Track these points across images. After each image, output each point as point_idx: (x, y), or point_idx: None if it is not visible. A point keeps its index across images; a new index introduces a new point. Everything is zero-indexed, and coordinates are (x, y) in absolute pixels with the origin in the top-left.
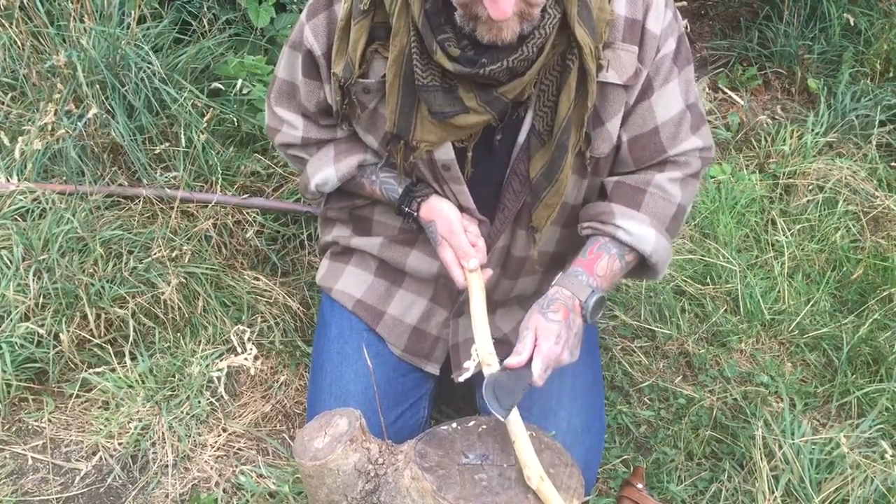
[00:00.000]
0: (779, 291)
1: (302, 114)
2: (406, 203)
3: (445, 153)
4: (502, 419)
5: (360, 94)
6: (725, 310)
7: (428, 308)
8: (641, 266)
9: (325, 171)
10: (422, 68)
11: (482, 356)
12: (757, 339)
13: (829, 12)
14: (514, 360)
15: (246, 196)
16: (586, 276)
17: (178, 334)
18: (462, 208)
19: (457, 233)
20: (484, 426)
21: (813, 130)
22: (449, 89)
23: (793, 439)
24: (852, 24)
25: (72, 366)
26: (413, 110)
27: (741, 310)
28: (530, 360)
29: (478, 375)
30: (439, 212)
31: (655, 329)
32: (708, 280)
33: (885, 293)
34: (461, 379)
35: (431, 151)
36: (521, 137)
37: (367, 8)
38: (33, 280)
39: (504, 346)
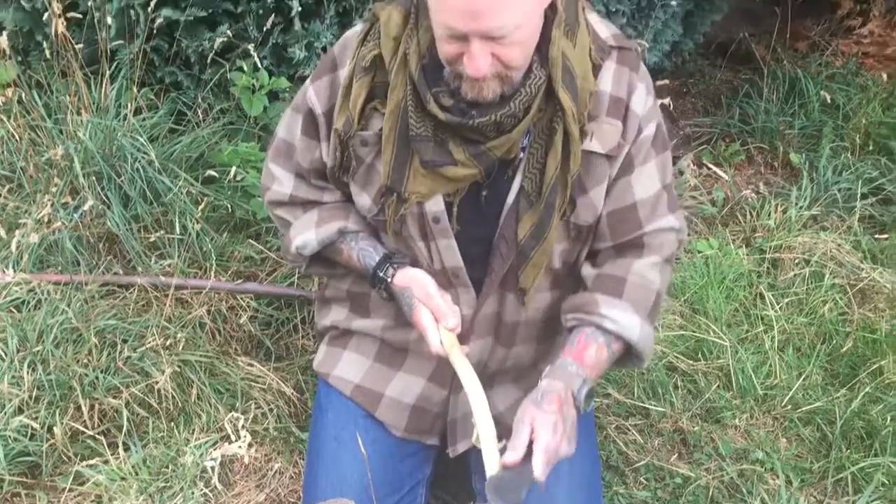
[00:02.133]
0: (770, 366)
1: (295, 173)
2: (382, 269)
3: (435, 204)
4: None
5: (357, 147)
6: (718, 385)
7: (426, 387)
8: (627, 354)
9: (307, 234)
10: (416, 119)
11: (483, 452)
12: (751, 414)
13: (808, 89)
14: (511, 458)
15: (240, 281)
16: (576, 366)
17: (172, 423)
18: (446, 271)
19: (433, 295)
20: None
21: (797, 204)
22: (440, 142)
23: None
24: (829, 100)
25: (65, 458)
26: (407, 163)
27: (734, 385)
28: (528, 453)
29: (474, 455)
30: (414, 278)
31: (649, 407)
32: (699, 356)
33: (874, 366)
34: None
35: (422, 204)
36: (511, 198)
37: (368, 66)
38: (28, 372)
39: (499, 426)
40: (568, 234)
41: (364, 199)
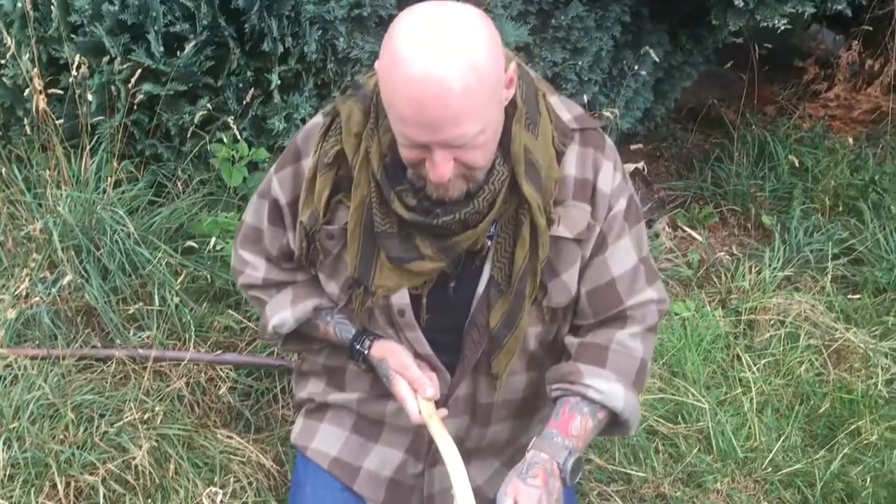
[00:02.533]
0: (750, 428)
1: (265, 257)
2: (359, 341)
3: (400, 298)
4: None
5: (324, 240)
6: (699, 449)
7: (404, 460)
8: (613, 423)
9: (282, 313)
10: (381, 216)
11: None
12: (732, 477)
13: (777, 152)
14: None
15: (219, 352)
16: (561, 437)
17: (149, 500)
18: (419, 356)
19: (409, 366)
20: None
21: (770, 265)
22: (406, 237)
23: None
24: (798, 163)
25: None
26: (373, 257)
27: (714, 448)
28: None
29: None
30: (391, 349)
31: (631, 472)
32: (680, 419)
33: (852, 426)
34: None
35: (388, 297)
36: (481, 288)
37: (331, 161)
38: (3, 450)
39: (478, 498)
40: (542, 317)
41: (332, 288)
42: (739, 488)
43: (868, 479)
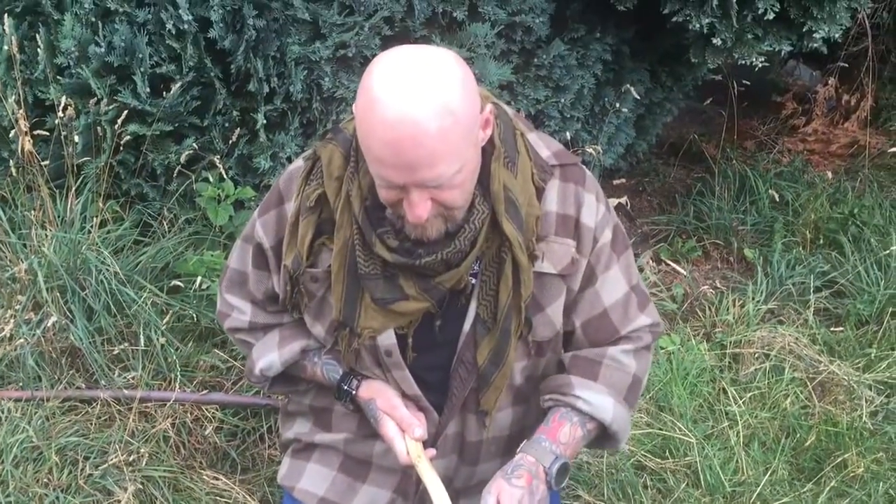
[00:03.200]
0: (737, 462)
1: (251, 301)
2: (346, 382)
3: (387, 338)
4: None
5: (308, 283)
6: (687, 483)
7: (391, 499)
8: (603, 436)
9: (269, 356)
10: (364, 258)
11: None
12: None
13: (758, 186)
14: None
15: (205, 392)
16: (549, 443)
17: None
18: (406, 396)
19: (397, 406)
20: None
21: (753, 299)
22: (390, 277)
23: None
24: (779, 197)
25: None
26: (357, 299)
27: (702, 483)
28: None
29: None
30: (379, 390)
31: None
32: (667, 453)
33: (838, 459)
34: None
35: (374, 338)
36: (467, 326)
37: (313, 205)
38: None
39: None
40: (528, 351)
41: (318, 330)
42: None
43: None
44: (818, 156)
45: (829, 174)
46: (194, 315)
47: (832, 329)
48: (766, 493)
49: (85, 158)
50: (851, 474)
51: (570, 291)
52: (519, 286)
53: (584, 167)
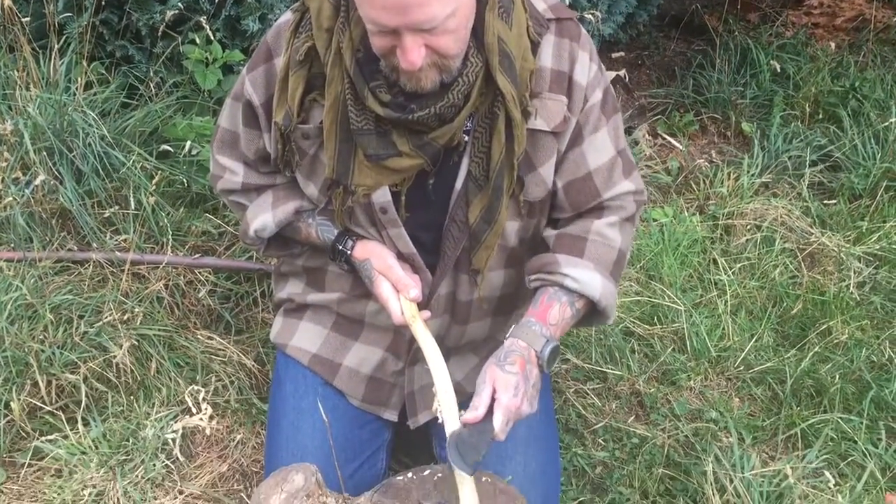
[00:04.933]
0: (723, 329)
1: (243, 161)
2: (341, 242)
3: (382, 195)
4: (469, 476)
5: (299, 140)
6: (673, 349)
7: (384, 358)
8: (592, 312)
9: (263, 216)
10: (356, 113)
11: (444, 413)
12: (705, 376)
13: (759, 59)
14: (471, 416)
15: (197, 256)
16: (540, 325)
17: (132, 397)
18: (402, 255)
19: (393, 267)
20: (439, 474)
21: (749, 172)
22: (383, 133)
23: (742, 473)
24: (780, 70)
25: (23, 434)
26: (351, 155)
27: (688, 348)
28: (489, 413)
29: (434, 423)
30: (373, 250)
31: (607, 371)
32: (655, 320)
33: (823, 326)
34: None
35: (369, 195)
36: (459, 184)
37: (303, 59)
38: None
39: (458, 394)
40: (519, 211)
41: (311, 190)
42: (712, 385)
43: (837, 377)
44: (822, 29)
45: (833, 46)
46: (185, 180)
47: (825, 202)
48: (750, 358)
49: (66, 15)
50: (835, 341)
51: (559, 151)
52: (512, 142)
53: (579, 24)
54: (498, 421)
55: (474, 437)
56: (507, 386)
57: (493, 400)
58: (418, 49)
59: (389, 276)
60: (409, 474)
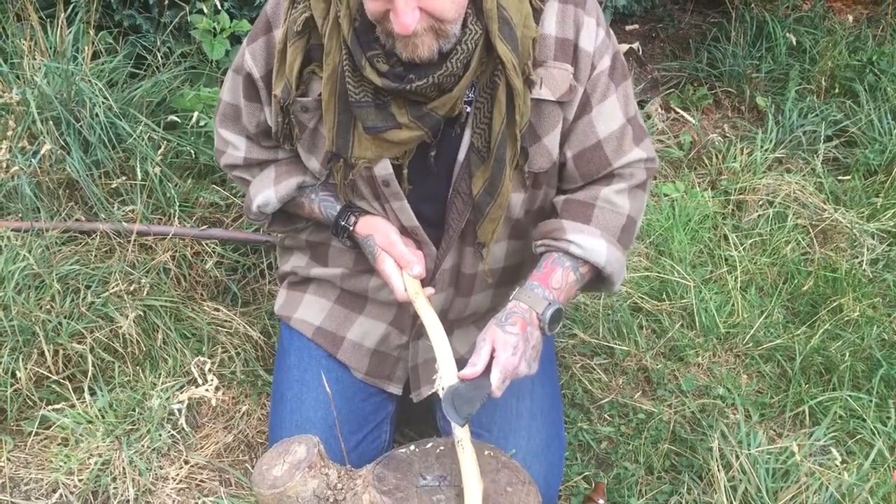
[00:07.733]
0: (733, 305)
1: (245, 136)
2: (344, 217)
3: (383, 168)
4: (460, 426)
5: (299, 113)
6: (682, 325)
7: (387, 332)
8: (598, 279)
9: (266, 192)
10: (354, 84)
11: (441, 367)
12: (713, 352)
13: (775, 32)
14: (469, 371)
15: (204, 227)
16: (542, 289)
17: (138, 368)
18: (405, 229)
19: (396, 243)
20: (441, 447)
21: (762, 147)
22: (381, 105)
23: (749, 450)
24: (796, 43)
25: (30, 403)
26: (350, 127)
27: (697, 324)
28: (488, 370)
29: (438, 397)
30: (376, 226)
31: (614, 346)
32: (664, 296)
33: (834, 304)
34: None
35: (371, 168)
36: (461, 155)
37: (300, 30)
38: None
39: (461, 368)
40: (524, 182)
41: (313, 164)
42: (720, 362)
43: (847, 354)
44: (840, 2)
45: (851, 19)
46: (192, 151)
47: (839, 178)
48: (759, 335)
49: None
50: (846, 318)
51: (566, 121)
52: (513, 112)
53: None
54: (495, 377)
55: (470, 391)
56: (507, 345)
57: (492, 358)
58: (412, 12)
59: (392, 253)
60: (412, 447)
